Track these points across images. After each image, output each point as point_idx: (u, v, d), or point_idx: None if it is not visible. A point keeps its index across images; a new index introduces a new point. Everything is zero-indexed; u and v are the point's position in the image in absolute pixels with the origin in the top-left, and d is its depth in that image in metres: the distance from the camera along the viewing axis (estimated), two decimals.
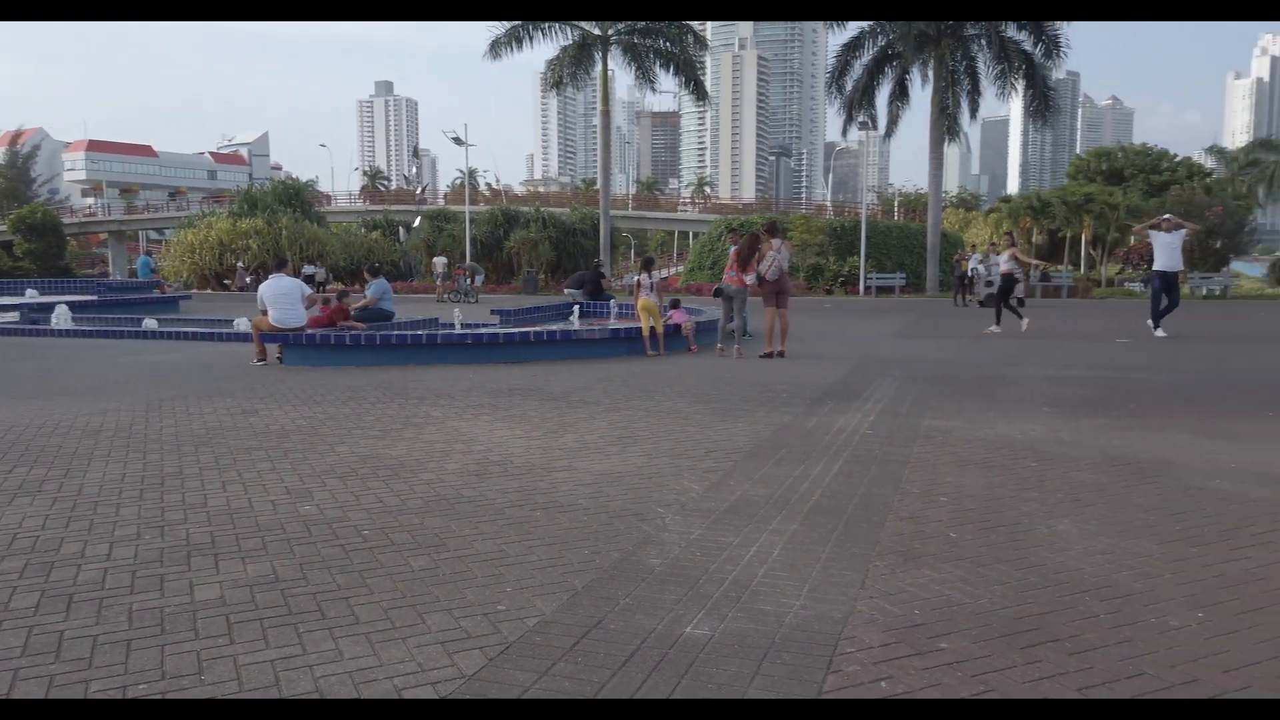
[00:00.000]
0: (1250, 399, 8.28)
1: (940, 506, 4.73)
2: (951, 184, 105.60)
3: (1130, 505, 4.74)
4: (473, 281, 30.73)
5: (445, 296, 30.32)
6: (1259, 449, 6.10)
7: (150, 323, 16.93)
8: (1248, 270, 50.99)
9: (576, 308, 16.72)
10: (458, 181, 79.77)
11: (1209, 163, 67.45)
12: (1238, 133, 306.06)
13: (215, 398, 8.62)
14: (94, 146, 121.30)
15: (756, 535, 4.23)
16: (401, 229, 47.56)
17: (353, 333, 11.93)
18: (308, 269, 36.27)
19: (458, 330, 13.05)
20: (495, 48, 34.73)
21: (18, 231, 52.11)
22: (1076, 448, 6.15)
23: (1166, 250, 14.23)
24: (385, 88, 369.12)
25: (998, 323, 16.01)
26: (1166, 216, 14.81)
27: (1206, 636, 3.11)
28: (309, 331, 11.77)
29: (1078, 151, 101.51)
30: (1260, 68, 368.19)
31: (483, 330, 13.17)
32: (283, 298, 11.73)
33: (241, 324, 15.52)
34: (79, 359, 12.34)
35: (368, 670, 2.86)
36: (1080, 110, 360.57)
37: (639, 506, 4.74)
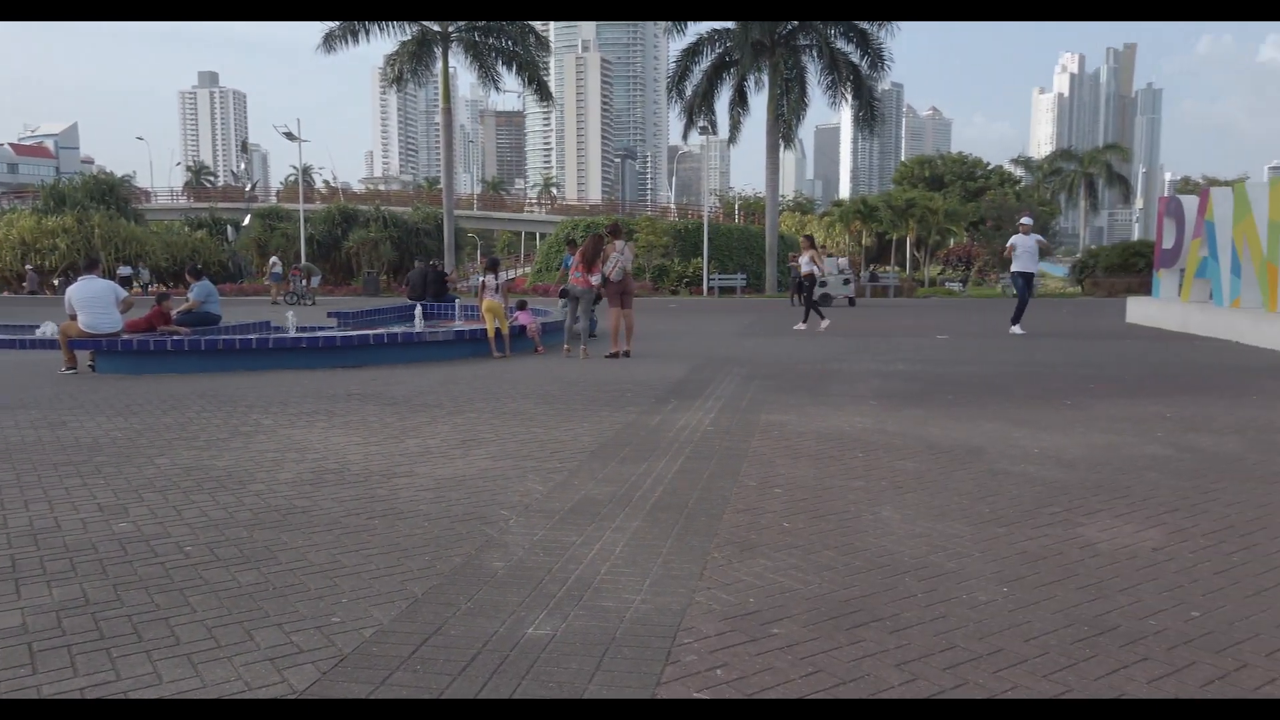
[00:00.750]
0: (1052, 389, 9.02)
1: (775, 498, 4.92)
2: (788, 188, 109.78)
3: (946, 490, 5.08)
4: (308, 283, 29.55)
5: (280, 299, 29.00)
6: (1058, 435, 6.66)
7: None
8: (1052, 270, 55.50)
9: (419, 309, 16.36)
10: (291, 179, 76.40)
11: (1018, 171, 73.12)
12: (1042, 143, 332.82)
13: (17, 410, 7.93)
14: None
15: (600, 533, 4.27)
16: (230, 228, 45.06)
17: (174, 338, 11.23)
18: (123, 270, 33.91)
19: (291, 334, 12.50)
20: (329, 41, 33.52)
21: None
22: (899, 438, 6.53)
23: (1024, 254, 15.36)
24: (210, 78, 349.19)
25: (819, 318, 17.06)
26: (1024, 220, 15.92)
27: (1010, 609, 3.37)
28: (125, 337, 11.00)
29: (903, 158, 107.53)
30: (1061, 84, 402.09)
31: (319, 334, 12.68)
32: (93, 301, 10.90)
33: (47, 330, 14.33)
34: None
35: (189, 693, 2.71)
36: (904, 119, 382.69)
37: (482, 510, 4.70)
